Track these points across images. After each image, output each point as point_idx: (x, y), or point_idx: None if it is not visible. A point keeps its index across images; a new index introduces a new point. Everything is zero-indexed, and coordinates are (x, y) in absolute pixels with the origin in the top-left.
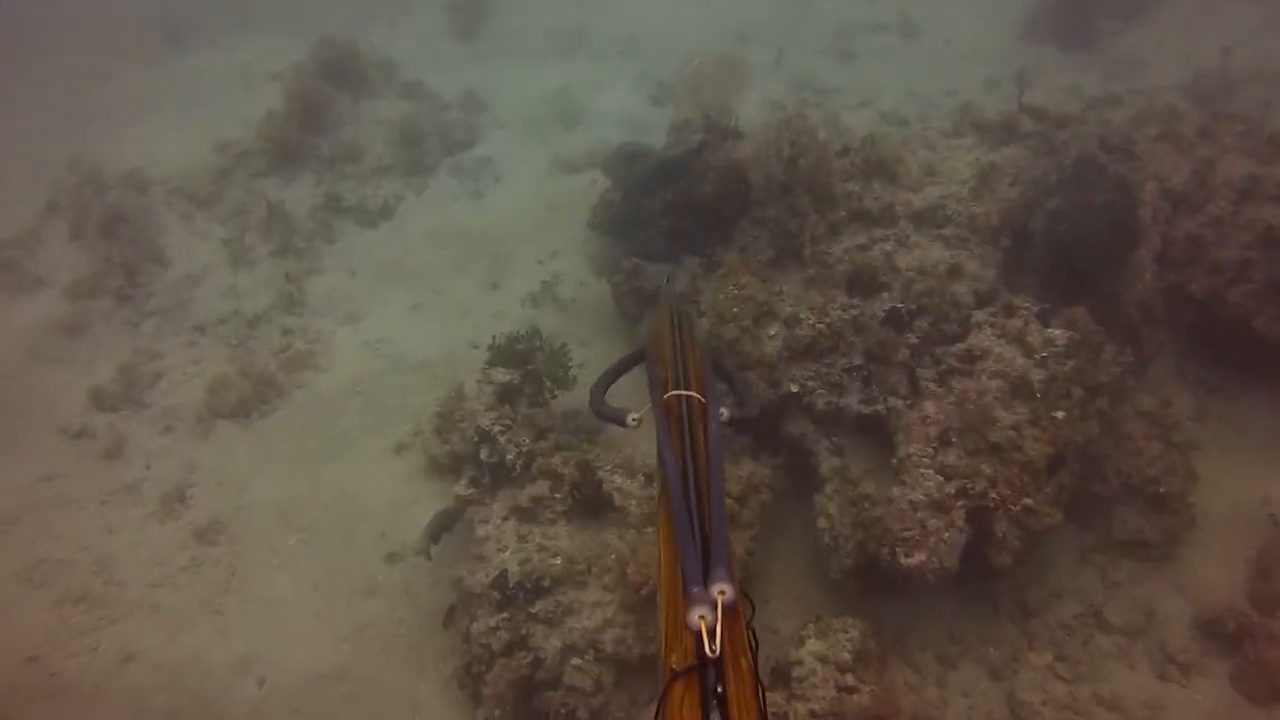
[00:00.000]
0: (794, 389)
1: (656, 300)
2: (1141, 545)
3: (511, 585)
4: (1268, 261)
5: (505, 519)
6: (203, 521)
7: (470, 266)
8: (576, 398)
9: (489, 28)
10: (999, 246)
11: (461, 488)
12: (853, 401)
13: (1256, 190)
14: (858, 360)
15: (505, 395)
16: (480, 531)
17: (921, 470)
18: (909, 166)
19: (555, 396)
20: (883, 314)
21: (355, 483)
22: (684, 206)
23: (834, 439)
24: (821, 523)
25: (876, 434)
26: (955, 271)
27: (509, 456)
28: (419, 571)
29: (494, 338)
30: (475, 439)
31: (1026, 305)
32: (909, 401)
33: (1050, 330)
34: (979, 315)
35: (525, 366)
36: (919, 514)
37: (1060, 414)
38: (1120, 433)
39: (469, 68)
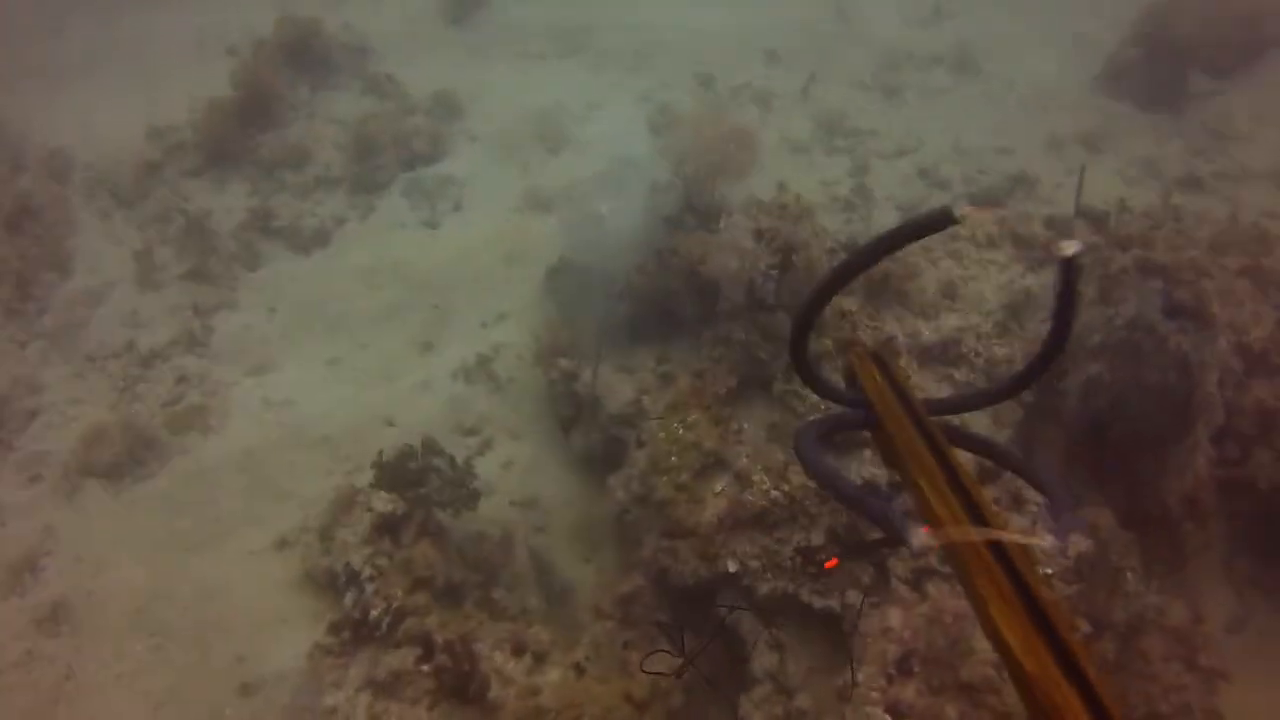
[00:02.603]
0: (733, 568)
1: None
2: None
3: None
4: None
5: (359, 690)
6: (48, 604)
7: (404, 318)
8: (482, 515)
9: (485, 15)
10: (1021, 401)
11: (321, 634)
12: (803, 591)
13: None
14: (817, 539)
15: (386, 527)
16: (329, 700)
17: (869, 708)
18: (924, 284)
19: (460, 514)
20: (858, 482)
21: (223, 583)
22: (645, 297)
23: (775, 631)
24: None
25: (829, 631)
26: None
27: (374, 613)
28: (274, 711)
29: (380, 453)
30: (343, 579)
31: (1039, 500)
32: (873, 599)
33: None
34: None
35: (417, 489)
36: None
37: None
38: (1135, 647)
39: (452, 62)
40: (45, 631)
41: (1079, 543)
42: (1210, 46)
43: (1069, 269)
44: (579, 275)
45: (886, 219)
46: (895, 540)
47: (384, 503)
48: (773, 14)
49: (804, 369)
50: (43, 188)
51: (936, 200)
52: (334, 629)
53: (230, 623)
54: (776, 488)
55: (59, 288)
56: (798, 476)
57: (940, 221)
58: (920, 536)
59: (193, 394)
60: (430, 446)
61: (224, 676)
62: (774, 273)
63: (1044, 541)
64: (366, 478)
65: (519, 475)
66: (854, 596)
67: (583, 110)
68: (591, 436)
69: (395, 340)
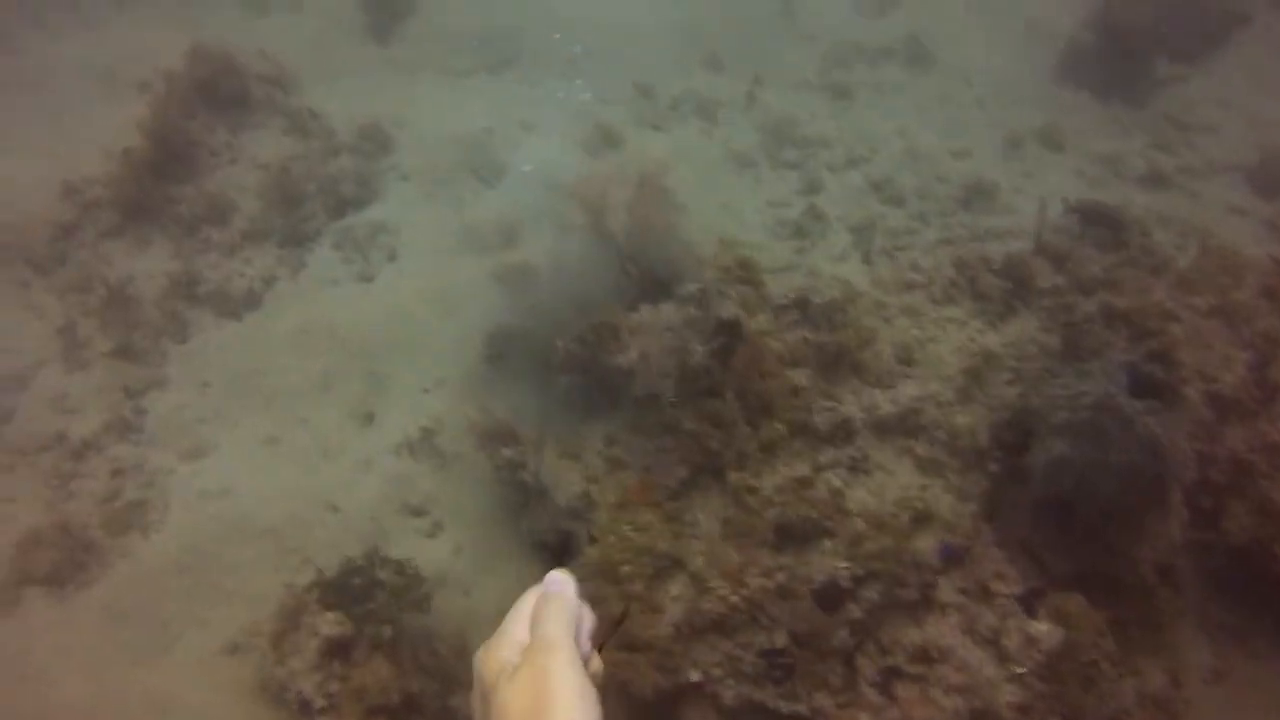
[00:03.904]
0: (695, 677)
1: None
2: None
3: None
4: None
5: None
6: None
7: (342, 386)
8: (437, 608)
9: (409, 27)
10: (985, 471)
11: None
12: (769, 697)
13: None
14: (780, 641)
15: (335, 650)
16: None
17: None
18: (881, 350)
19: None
20: (818, 583)
21: (174, 695)
22: (586, 369)
23: None
24: None
25: None
26: (922, 520)
27: None
28: None
29: (318, 571)
30: (296, 706)
31: (1008, 592)
32: (841, 700)
33: (1035, 625)
34: (946, 590)
35: (364, 605)
36: None
37: None
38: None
39: (377, 85)
40: None
41: (1050, 635)
42: (1173, 29)
43: None
44: (518, 342)
45: (838, 243)
46: None
47: (330, 625)
48: (714, 7)
49: None
50: None
51: (891, 221)
52: None
53: None
54: (735, 592)
55: None
56: (755, 579)
57: None
58: None
59: (129, 488)
60: (373, 557)
61: None
62: (713, 355)
63: None
64: (312, 573)
65: (470, 562)
66: (823, 700)
67: (516, 133)
68: (543, 524)
69: (334, 412)
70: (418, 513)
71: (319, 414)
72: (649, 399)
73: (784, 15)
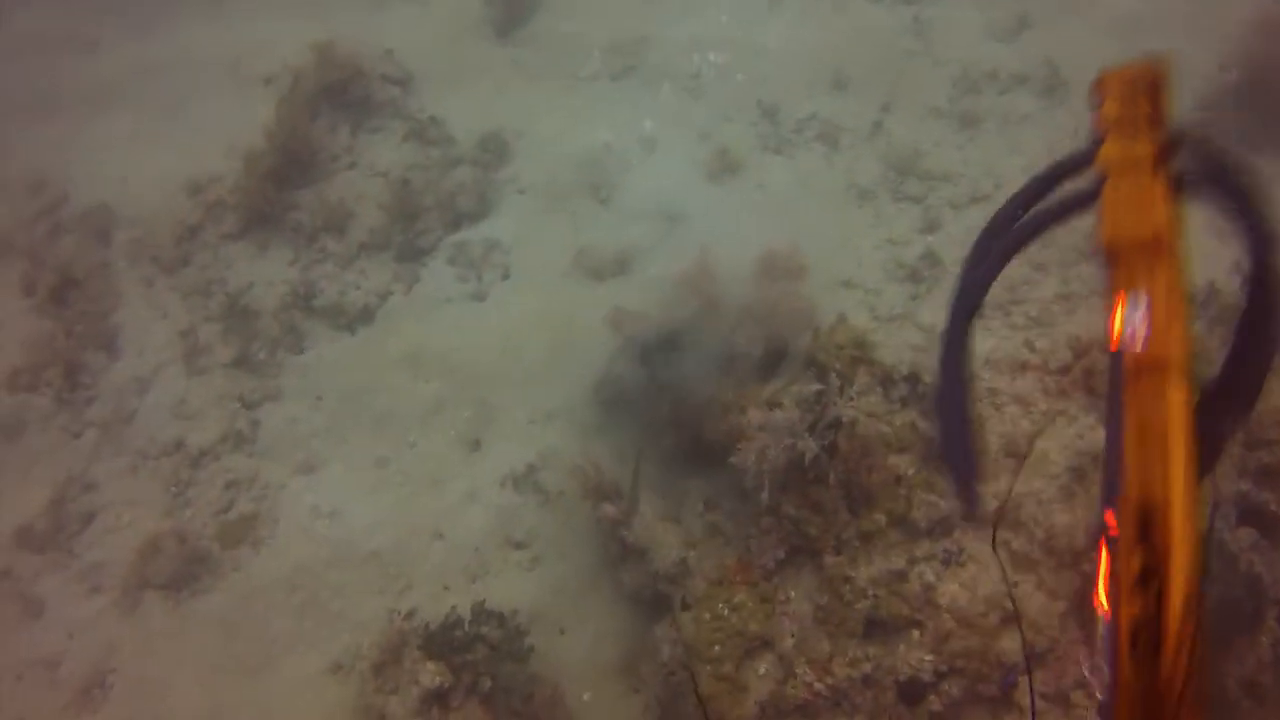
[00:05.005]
0: None
1: None
2: None
3: None
4: None
5: None
6: None
7: (452, 411)
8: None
9: (534, 27)
10: (1078, 571)
11: None
12: None
13: None
14: None
15: (434, 698)
16: None
17: None
18: (988, 441)
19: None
20: (903, 676)
21: (280, 709)
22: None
23: None
24: None
25: None
26: (1010, 620)
27: None
28: None
29: (427, 625)
30: None
31: (1085, 705)
32: None
33: None
34: (1028, 692)
35: (464, 655)
36: None
37: None
38: None
39: (498, 87)
40: None
41: None
42: None
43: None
44: (627, 390)
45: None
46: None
47: (430, 676)
48: (843, 28)
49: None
50: (85, 252)
51: (1010, 268)
52: None
53: None
54: (820, 680)
55: (107, 371)
56: (841, 669)
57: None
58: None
59: (243, 500)
60: (478, 612)
61: None
62: (823, 451)
63: None
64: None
65: (567, 601)
66: None
67: (636, 150)
68: (640, 579)
69: (443, 438)
70: (520, 545)
71: (428, 438)
72: (755, 489)
73: (915, 35)
